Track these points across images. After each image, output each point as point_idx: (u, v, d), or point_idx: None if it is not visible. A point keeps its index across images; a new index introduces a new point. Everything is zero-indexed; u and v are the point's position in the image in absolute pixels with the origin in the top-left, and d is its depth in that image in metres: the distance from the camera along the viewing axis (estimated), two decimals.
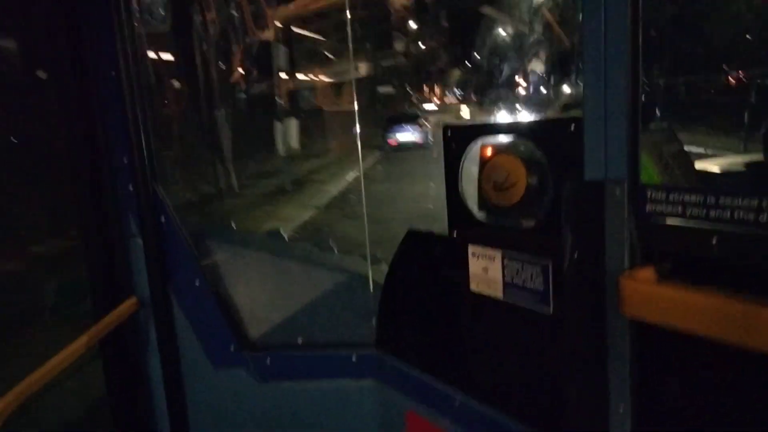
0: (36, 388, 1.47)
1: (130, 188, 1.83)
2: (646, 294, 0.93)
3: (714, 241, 0.89)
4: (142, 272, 1.88)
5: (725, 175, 1.65)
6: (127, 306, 1.87)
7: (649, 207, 0.97)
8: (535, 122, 1.23)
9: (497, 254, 1.31)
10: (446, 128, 1.42)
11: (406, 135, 20.69)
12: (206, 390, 1.98)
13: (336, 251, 2.12)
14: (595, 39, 1.00)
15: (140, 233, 1.85)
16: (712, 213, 0.89)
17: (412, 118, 21.54)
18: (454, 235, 1.42)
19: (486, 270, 1.34)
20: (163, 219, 1.85)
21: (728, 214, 0.87)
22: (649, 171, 1.18)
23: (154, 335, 1.93)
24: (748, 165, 1.61)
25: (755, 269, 0.86)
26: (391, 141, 20.56)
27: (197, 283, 1.91)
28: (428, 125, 21.23)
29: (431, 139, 20.25)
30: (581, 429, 1.13)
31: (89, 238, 1.89)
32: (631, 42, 0.96)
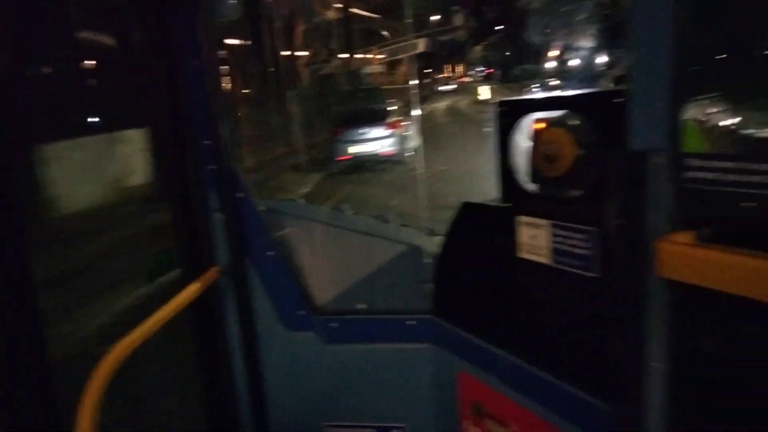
0: (131, 348, 1.63)
1: (212, 167, 2.02)
2: (682, 256, 0.99)
3: (751, 206, 0.93)
4: (223, 244, 2.08)
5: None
6: (209, 274, 2.07)
7: (688, 174, 1.01)
8: (582, 95, 1.28)
9: (546, 223, 1.37)
10: (501, 102, 1.49)
11: (367, 145, 12.92)
12: (279, 350, 2.17)
13: (394, 224, 2.24)
14: (641, 13, 1.03)
15: (221, 208, 2.04)
16: (749, 179, 0.92)
17: (377, 117, 13.31)
18: (506, 206, 1.50)
19: (535, 238, 1.42)
20: (240, 195, 2.03)
21: (761, 178, 0.90)
22: (694, 141, 1.20)
23: (233, 301, 2.12)
24: None
25: None
26: (341, 155, 13.05)
27: (271, 254, 2.09)
28: (408, 127, 13.86)
29: (412, 146, 13.56)
30: (619, 386, 1.19)
31: (177, 213, 2.11)
32: (673, 16, 0.99)
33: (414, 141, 13.68)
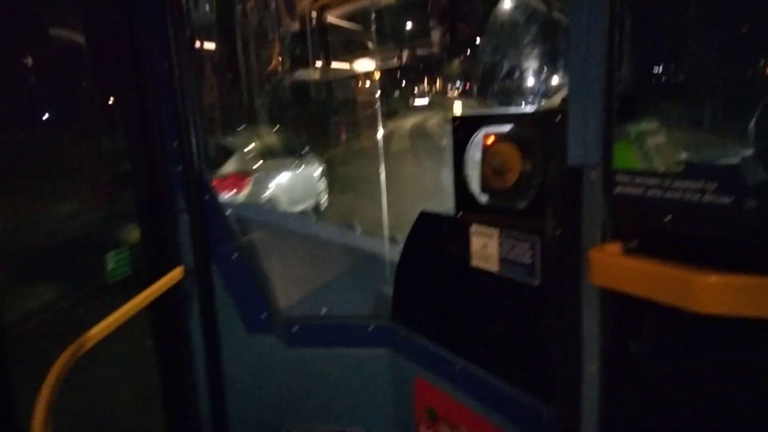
0: (90, 345, 1.65)
1: (179, 169, 2.06)
2: (611, 265, 1.08)
3: (672, 219, 1.04)
4: (188, 245, 2.11)
5: (700, 162, 1.73)
6: (174, 274, 2.10)
7: (618, 189, 1.12)
8: (526, 113, 1.38)
9: (495, 232, 1.47)
10: (454, 119, 1.58)
11: None
12: (241, 352, 2.20)
13: (357, 231, 2.31)
14: (577, 35, 1.13)
15: (187, 210, 2.08)
16: (670, 195, 1.03)
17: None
18: (459, 216, 1.59)
19: (485, 246, 1.51)
20: (207, 197, 2.08)
21: (681, 194, 1.01)
22: (629, 158, 1.31)
23: (197, 301, 2.15)
24: (719, 153, 1.68)
25: (702, 242, 1.00)
26: None
27: (235, 256, 2.13)
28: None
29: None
30: (559, 389, 1.28)
31: (144, 212, 2.14)
32: (608, 39, 1.09)
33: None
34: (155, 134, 2.07)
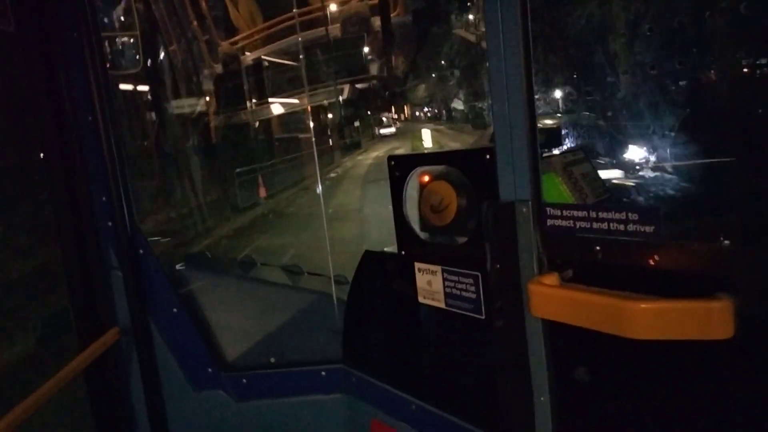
0: (23, 417, 1.55)
1: (110, 224, 1.97)
2: (547, 297, 1.11)
3: (600, 249, 1.08)
4: (123, 303, 2.01)
5: (629, 189, 1.86)
6: (109, 336, 1.98)
7: (549, 222, 1.15)
8: (460, 152, 1.42)
9: (438, 269, 1.48)
10: (390, 158, 1.60)
11: None
12: (187, 412, 2.09)
13: (304, 273, 2.27)
14: (498, 73, 1.18)
15: (120, 266, 1.98)
16: (595, 225, 1.08)
17: None
18: (403, 254, 1.60)
19: (430, 283, 1.51)
20: (141, 251, 1.99)
21: (606, 225, 1.05)
22: (559, 190, 1.37)
23: (136, 362, 2.04)
24: (645, 179, 1.81)
25: (631, 270, 1.05)
26: None
27: (175, 310, 2.04)
28: None
29: None
30: (512, 421, 1.29)
31: (72, 271, 2.02)
32: (525, 79, 1.14)
33: None
34: (81, 187, 1.98)
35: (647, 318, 0.95)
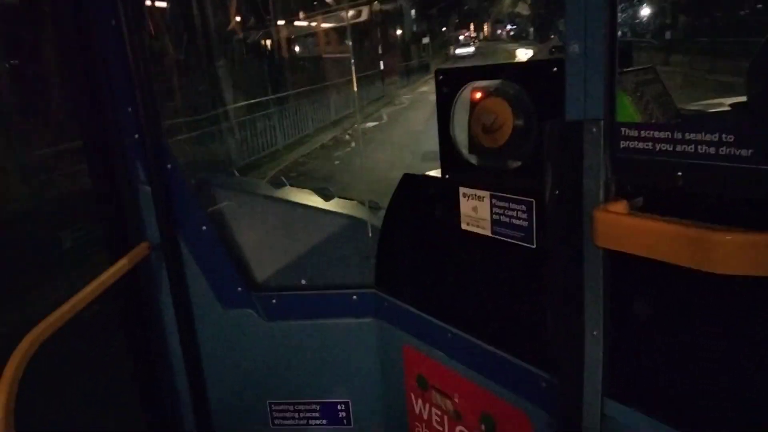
0: (55, 327, 1.54)
1: (136, 137, 1.89)
2: (616, 225, 1.01)
3: (680, 175, 0.96)
4: (151, 219, 1.96)
5: (706, 114, 1.70)
6: (138, 250, 1.96)
7: (623, 144, 1.04)
8: (520, 64, 1.28)
9: (486, 194, 1.38)
10: (438, 71, 1.47)
11: None
12: (216, 329, 2.10)
13: (334, 196, 2.20)
14: None
15: (148, 180, 1.92)
16: (679, 148, 0.95)
17: None
18: (446, 177, 1.49)
19: (476, 209, 1.42)
20: (169, 166, 1.92)
21: (693, 148, 0.93)
22: (629, 111, 1.23)
23: (166, 278, 2.03)
24: (730, 104, 1.65)
25: (717, 199, 0.93)
26: None
27: (204, 228, 1.99)
28: None
29: None
30: (560, 356, 1.23)
31: (99, 186, 1.97)
32: None
33: None
34: (106, 100, 1.88)
35: (736, 251, 0.85)
